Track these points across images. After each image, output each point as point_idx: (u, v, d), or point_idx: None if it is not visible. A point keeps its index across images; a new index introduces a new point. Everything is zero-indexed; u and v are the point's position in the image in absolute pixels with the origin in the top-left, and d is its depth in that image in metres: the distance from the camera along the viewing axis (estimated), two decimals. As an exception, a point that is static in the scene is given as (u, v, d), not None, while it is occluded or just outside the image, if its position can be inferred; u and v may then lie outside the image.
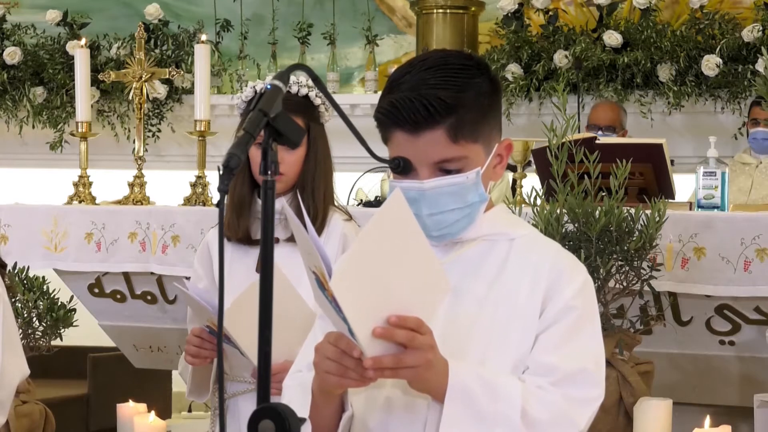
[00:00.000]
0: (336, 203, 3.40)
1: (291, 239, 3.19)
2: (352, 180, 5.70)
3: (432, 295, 2.05)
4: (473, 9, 7.14)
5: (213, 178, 5.22)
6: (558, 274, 2.21)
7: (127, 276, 5.40)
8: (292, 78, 3.23)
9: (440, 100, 2.12)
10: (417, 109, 2.12)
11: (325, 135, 3.37)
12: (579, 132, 4.95)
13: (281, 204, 3.12)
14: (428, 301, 2.04)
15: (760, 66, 6.25)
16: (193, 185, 5.45)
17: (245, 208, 3.33)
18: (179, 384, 6.58)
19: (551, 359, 2.16)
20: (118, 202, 5.58)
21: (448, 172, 2.16)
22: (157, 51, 7.34)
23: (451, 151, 2.15)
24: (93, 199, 5.61)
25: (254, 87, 3.40)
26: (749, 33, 6.53)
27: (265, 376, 1.88)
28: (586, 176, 4.14)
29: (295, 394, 2.19)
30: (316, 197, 3.27)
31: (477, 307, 2.19)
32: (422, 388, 2.09)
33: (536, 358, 2.17)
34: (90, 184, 5.65)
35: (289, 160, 3.25)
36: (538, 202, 4.17)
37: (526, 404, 2.10)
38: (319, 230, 3.24)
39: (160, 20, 7.49)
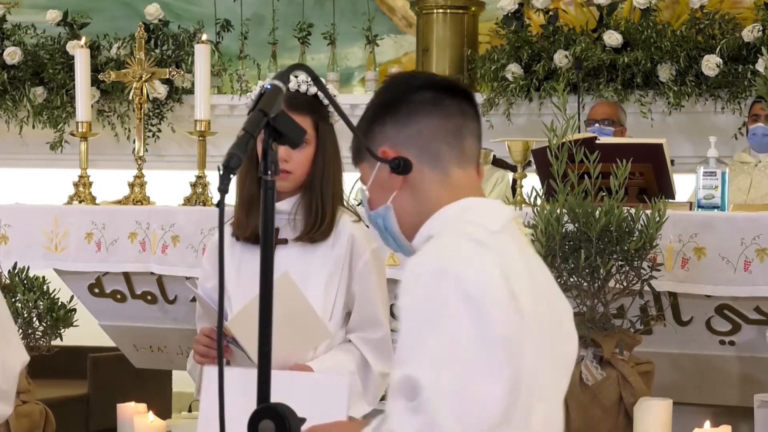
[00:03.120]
0: (346, 204, 3.40)
1: (299, 239, 3.21)
2: (352, 180, 5.69)
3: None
4: (473, 9, 7.13)
5: (213, 178, 5.22)
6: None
7: (127, 276, 5.40)
8: (301, 77, 3.25)
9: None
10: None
11: (335, 135, 3.35)
12: (579, 132, 4.95)
13: (290, 205, 3.19)
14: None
15: (760, 66, 6.24)
16: (193, 185, 5.45)
17: (254, 207, 3.32)
18: (179, 384, 6.58)
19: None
20: (118, 202, 5.58)
21: None
22: (157, 51, 7.33)
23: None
24: (93, 199, 5.61)
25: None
26: (749, 33, 6.52)
27: (265, 376, 1.88)
28: (586, 176, 4.14)
29: None
30: (324, 197, 3.26)
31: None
32: None
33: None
34: (90, 184, 5.65)
35: (298, 159, 3.24)
36: (538, 202, 4.17)
37: None
38: (328, 230, 3.24)
39: (160, 20, 7.48)
